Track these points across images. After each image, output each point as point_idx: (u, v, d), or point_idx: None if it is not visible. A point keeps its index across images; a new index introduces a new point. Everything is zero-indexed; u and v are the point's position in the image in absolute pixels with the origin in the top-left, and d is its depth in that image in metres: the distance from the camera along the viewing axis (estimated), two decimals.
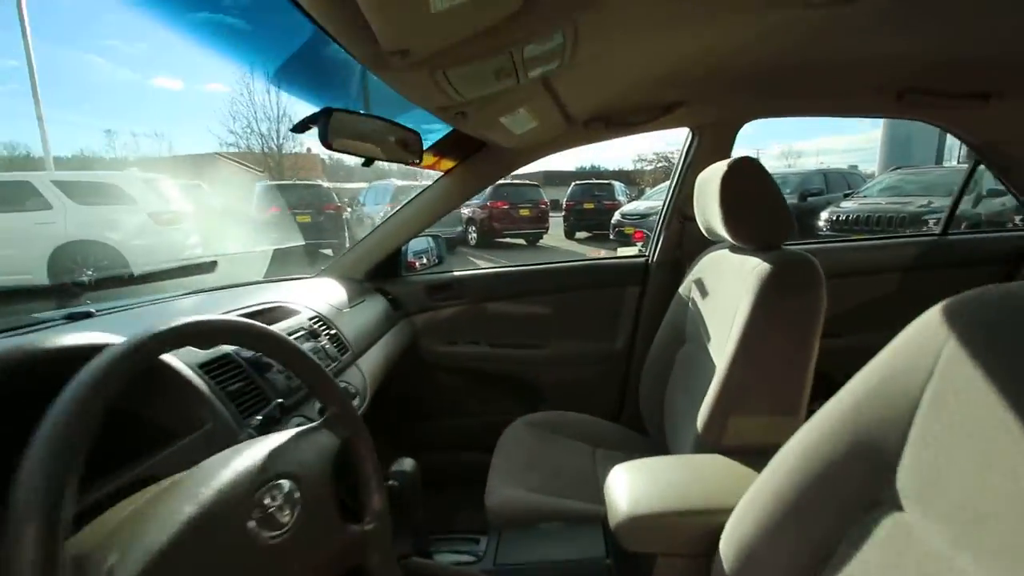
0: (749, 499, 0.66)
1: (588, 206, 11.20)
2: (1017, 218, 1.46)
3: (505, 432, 1.38)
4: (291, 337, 0.96)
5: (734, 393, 0.94)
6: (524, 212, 10.28)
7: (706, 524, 0.75)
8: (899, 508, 0.49)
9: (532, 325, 1.71)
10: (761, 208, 1.01)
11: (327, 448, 0.62)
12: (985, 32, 1.06)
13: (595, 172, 26.35)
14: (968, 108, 1.36)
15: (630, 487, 0.84)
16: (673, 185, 1.58)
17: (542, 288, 1.70)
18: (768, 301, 0.92)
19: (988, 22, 1.01)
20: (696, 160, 1.48)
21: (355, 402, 1.07)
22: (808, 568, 0.56)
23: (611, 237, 9.61)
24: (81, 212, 6.00)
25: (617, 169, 25.93)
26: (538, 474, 1.21)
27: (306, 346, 1.01)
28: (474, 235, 10.39)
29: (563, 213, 11.59)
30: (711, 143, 1.47)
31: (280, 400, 0.83)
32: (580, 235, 11.53)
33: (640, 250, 1.92)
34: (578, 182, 12.17)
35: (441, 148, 1.43)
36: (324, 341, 1.09)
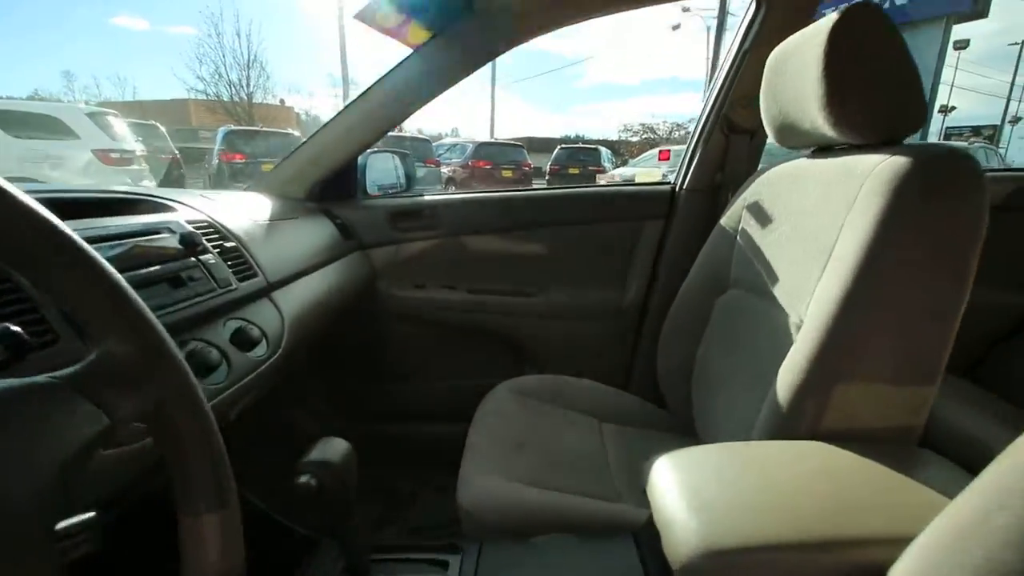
0: (958, 532, 0.33)
1: (573, 171, 10.82)
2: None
3: (485, 400, 1.05)
4: (132, 240, 0.58)
5: (845, 351, 0.60)
6: (506, 173, 9.84)
7: (843, 563, 0.44)
8: None
9: (523, 267, 1.35)
10: (888, 79, 0.65)
11: (63, 430, 0.25)
12: None
13: (579, 139, 25.79)
14: None
15: (698, 498, 0.50)
16: (718, 84, 1.19)
17: (537, 220, 1.33)
18: (905, 214, 0.58)
19: None
20: (761, 42, 1.09)
21: (258, 350, 0.70)
22: None
23: None
24: (15, 145, 5.34)
25: (602, 139, 25.39)
26: (529, 457, 0.87)
27: (169, 266, 0.63)
28: None
29: (546, 177, 11.20)
30: (785, 18, 1.07)
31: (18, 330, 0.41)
32: None
33: (664, 176, 1.55)
34: (564, 146, 11.77)
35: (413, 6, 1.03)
36: (210, 257, 0.70)
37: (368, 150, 1.26)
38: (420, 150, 8.79)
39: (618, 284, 1.34)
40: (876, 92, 0.65)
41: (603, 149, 11.87)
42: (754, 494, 0.51)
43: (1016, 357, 1.27)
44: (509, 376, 1.13)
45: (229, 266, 0.74)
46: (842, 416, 0.62)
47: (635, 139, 22.62)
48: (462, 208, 1.34)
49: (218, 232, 0.78)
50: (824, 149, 0.79)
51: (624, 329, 1.34)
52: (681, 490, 0.52)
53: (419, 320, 1.37)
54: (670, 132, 21.88)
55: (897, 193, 0.58)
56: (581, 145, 12.15)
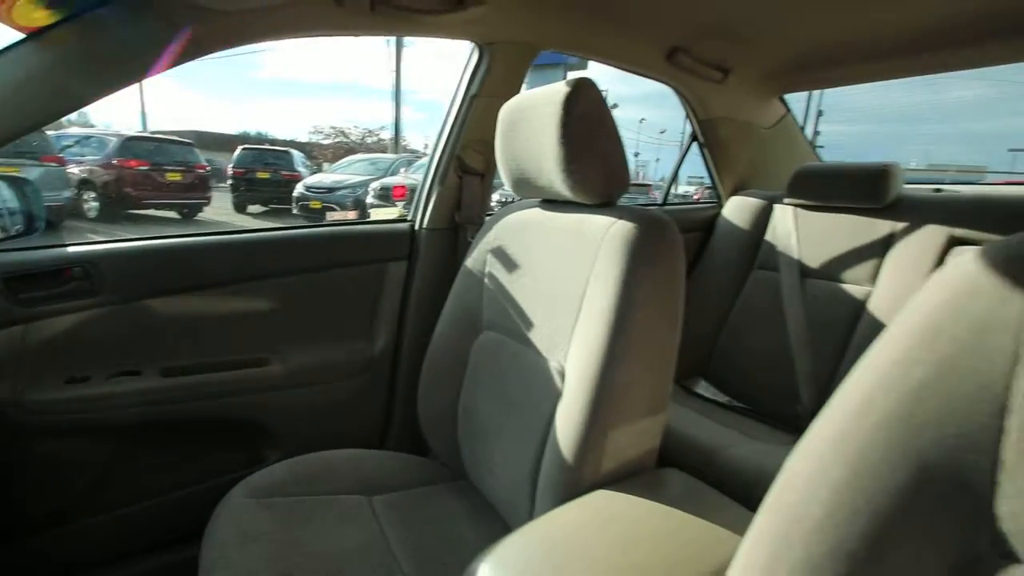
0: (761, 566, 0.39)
1: (263, 175, 9.63)
2: (706, 191, 1.74)
3: (215, 517, 0.80)
4: None
5: (615, 400, 0.68)
6: (173, 177, 8.06)
7: None
8: (1016, 559, 0.32)
9: (246, 330, 1.08)
10: (608, 151, 0.76)
11: None
12: (726, 5, 1.07)
13: (263, 138, 23.27)
14: (713, 80, 1.45)
15: None
16: (448, 125, 1.19)
17: (256, 271, 1.08)
18: (643, 275, 0.69)
19: None
20: (485, 91, 1.13)
21: None
22: None
23: (294, 212, 8.60)
24: None
25: (290, 140, 23.55)
26: None
27: None
28: (94, 203, 7.57)
29: (229, 182, 9.67)
30: (506, 68, 1.13)
31: None
32: (254, 208, 9.88)
33: (401, 212, 1.47)
34: (248, 147, 10.40)
35: None
36: None
37: None
38: (32, 143, 6.35)
39: (365, 334, 1.21)
40: (601, 160, 0.75)
41: (295, 153, 10.98)
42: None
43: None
44: (251, 468, 0.89)
45: None
46: (614, 459, 0.69)
47: (327, 142, 21.79)
48: (139, 260, 0.98)
49: None
50: (552, 201, 0.86)
51: (376, 382, 1.22)
52: None
53: (83, 431, 0.95)
54: (363, 138, 21.92)
55: (632, 257, 0.68)
56: (269, 147, 10.92)
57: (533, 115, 0.77)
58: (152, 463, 1.04)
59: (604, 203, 0.78)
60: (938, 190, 1.39)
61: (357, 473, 0.95)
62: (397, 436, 1.23)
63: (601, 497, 0.65)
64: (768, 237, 1.54)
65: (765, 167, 1.73)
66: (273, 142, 18.78)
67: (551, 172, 0.76)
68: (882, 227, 1.27)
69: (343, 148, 19.14)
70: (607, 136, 0.75)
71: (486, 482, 0.88)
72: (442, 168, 1.20)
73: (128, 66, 0.79)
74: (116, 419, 0.97)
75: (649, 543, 0.58)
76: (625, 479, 0.69)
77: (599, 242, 0.72)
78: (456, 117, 1.17)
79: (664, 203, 1.75)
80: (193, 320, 1.02)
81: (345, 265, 1.17)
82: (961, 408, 0.34)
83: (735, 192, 1.72)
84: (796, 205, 1.48)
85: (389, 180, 7.93)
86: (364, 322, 1.21)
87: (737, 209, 1.64)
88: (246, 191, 9.62)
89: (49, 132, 7.40)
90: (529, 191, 0.86)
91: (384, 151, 16.53)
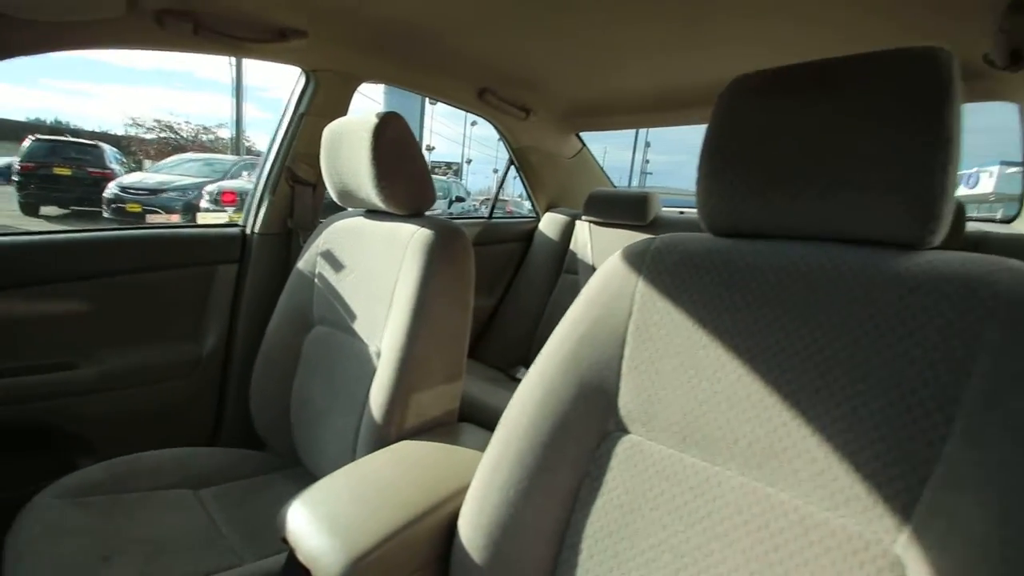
0: (487, 475, 0.61)
1: (62, 171, 8.11)
2: (527, 207, 2.02)
3: (18, 520, 0.78)
4: None
5: (414, 369, 0.85)
6: None
7: (439, 521, 0.65)
8: (627, 431, 0.56)
9: (50, 333, 1.05)
10: (413, 172, 0.95)
11: None
12: (521, 58, 1.34)
13: (64, 128, 19.46)
14: (518, 117, 1.73)
15: (332, 522, 0.62)
16: (279, 138, 1.28)
17: (65, 272, 1.06)
18: (436, 270, 0.88)
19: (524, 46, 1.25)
20: (312, 111, 1.25)
21: None
22: (560, 520, 0.57)
23: (105, 215, 7.42)
24: None
25: (102, 131, 20.03)
26: (120, 566, 0.74)
27: None
28: None
29: (16, 179, 8.01)
30: (331, 93, 1.27)
31: None
32: (49, 210, 8.28)
33: (231, 218, 1.50)
34: (40, 137, 8.67)
35: None
36: None
37: None
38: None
39: (191, 334, 1.23)
40: (406, 179, 0.93)
41: (106, 147, 9.43)
42: (375, 500, 0.66)
43: (494, 338, 1.96)
44: (52, 479, 0.88)
45: None
46: (417, 416, 0.87)
47: (150, 136, 19.00)
48: None
49: None
50: (374, 211, 1.03)
51: (206, 380, 1.25)
52: (319, 522, 0.62)
53: None
54: (196, 135, 19.57)
55: (430, 258, 0.87)
56: (71, 139, 9.23)
57: (351, 139, 0.93)
58: None
59: (413, 214, 0.97)
60: (682, 212, 1.85)
61: (183, 470, 0.98)
62: (228, 433, 1.27)
63: (404, 445, 0.81)
64: (572, 247, 1.88)
65: (572, 189, 2.09)
66: (77, 133, 15.84)
67: (367, 187, 0.92)
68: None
69: (170, 145, 16.89)
70: (411, 160, 0.94)
71: (319, 465, 0.97)
72: (273, 177, 1.29)
73: None
74: None
75: (432, 468, 0.76)
76: (426, 432, 0.87)
77: (406, 246, 0.90)
78: (287, 131, 1.28)
79: (490, 217, 2.00)
80: None
81: (170, 267, 1.19)
82: (602, 346, 0.59)
83: (548, 209, 2.05)
84: (590, 221, 1.83)
85: (228, 184, 7.30)
86: (189, 324, 1.23)
87: (549, 223, 1.97)
88: (38, 189, 8.05)
89: None
90: (352, 202, 1.02)
91: (223, 151, 14.99)
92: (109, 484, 0.89)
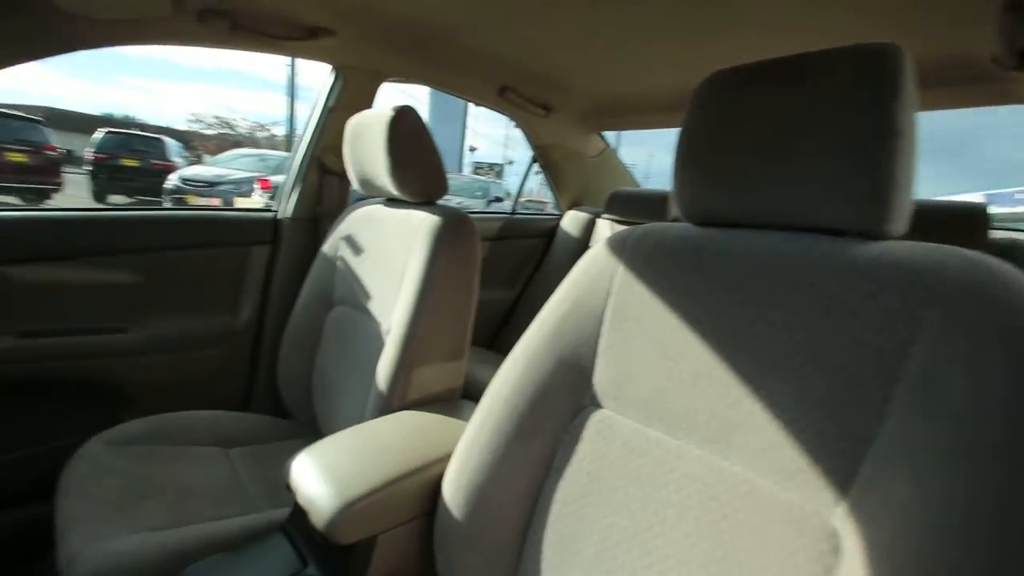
0: (470, 440, 0.65)
1: (129, 163, 8.70)
2: (549, 206, 2.06)
3: (70, 463, 0.90)
4: None
5: (417, 346, 0.91)
6: (16, 158, 7.11)
7: (426, 480, 0.70)
8: (599, 406, 0.59)
9: (105, 299, 1.17)
10: (425, 161, 1.01)
11: None
12: (541, 56, 1.37)
13: (132, 122, 20.78)
14: (538, 115, 1.77)
15: (330, 471, 0.68)
16: (310, 131, 1.37)
17: (119, 245, 1.18)
18: (441, 253, 0.93)
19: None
20: (340, 105, 1.34)
21: None
22: (534, 484, 0.60)
23: (166, 205, 7.87)
24: None
25: (165, 126, 21.30)
26: (154, 503, 0.84)
27: None
28: None
29: (89, 168, 8.63)
30: (357, 88, 1.35)
31: None
32: (117, 199, 8.88)
33: (267, 203, 1.61)
34: (111, 130, 9.30)
35: None
36: None
37: None
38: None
39: (228, 308, 1.34)
40: (419, 168, 0.99)
41: (169, 140, 10.04)
42: (370, 456, 0.72)
43: (512, 329, 2.01)
44: (99, 429, 0.99)
45: None
46: (419, 390, 0.92)
47: (210, 132, 20.10)
48: (4, 230, 1.04)
49: None
50: (393, 199, 1.09)
51: (239, 351, 1.35)
52: (318, 471, 0.69)
53: None
54: (252, 132, 20.57)
55: (437, 242, 0.93)
56: (137, 132, 9.85)
57: (369, 131, 1.00)
58: (4, 422, 1.09)
59: (426, 202, 1.02)
60: None
61: (215, 430, 1.08)
62: (260, 399, 1.37)
63: (404, 413, 0.87)
64: (592, 245, 1.91)
65: (596, 188, 2.11)
66: (144, 127, 16.94)
67: (383, 175, 0.99)
68: None
69: (228, 141, 17.82)
70: (424, 150, 1.00)
71: (331, 429, 1.02)
72: (304, 168, 1.39)
73: None
74: None
75: (425, 435, 0.80)
76: (427, 405, 0.92)
77: (416, 231, 0.96)
78: (317, 125, 1.37)
79: (513, 212, 2.05)
80: (54, 288, 1.10)
81: (211, 246, 1.30)
82: (581, 325, 0.63)
83: (571, 207, 2.08)
84: (611, 219, 1.85)
85: (281, 178, 7.66)
86: (227, 298, 1.34)
87: (571, 221, 2.00)
88: (108, 179, 8.65)
89: None
90: (372, 190, 1.09)
91: (276, 148, 15.69)
92: (148, 437, 1.00)
